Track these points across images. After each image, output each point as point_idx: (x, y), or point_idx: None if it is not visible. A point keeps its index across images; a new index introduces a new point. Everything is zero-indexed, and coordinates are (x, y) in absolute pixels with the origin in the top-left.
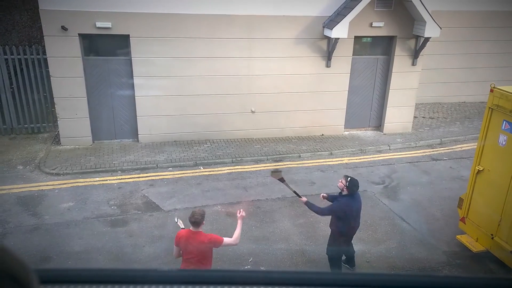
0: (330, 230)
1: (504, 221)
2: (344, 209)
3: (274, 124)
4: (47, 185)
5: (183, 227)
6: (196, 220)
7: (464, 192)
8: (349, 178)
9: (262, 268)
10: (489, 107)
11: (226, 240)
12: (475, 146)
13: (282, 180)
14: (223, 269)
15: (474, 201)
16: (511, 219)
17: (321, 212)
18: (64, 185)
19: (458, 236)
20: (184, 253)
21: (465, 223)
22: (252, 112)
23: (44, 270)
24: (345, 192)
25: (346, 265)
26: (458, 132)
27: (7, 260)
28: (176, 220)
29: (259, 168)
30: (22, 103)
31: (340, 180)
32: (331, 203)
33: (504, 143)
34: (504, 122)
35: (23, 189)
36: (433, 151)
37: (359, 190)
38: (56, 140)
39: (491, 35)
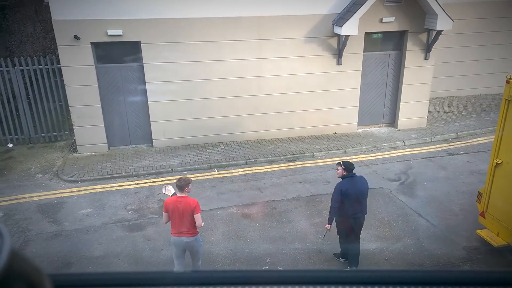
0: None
1: None
2: (340, 188)
3: (287, 124)
4: (66, 192)
5: (170, 194)
6: (180, 184)
7: (482, 186)
8: (341, 162)
9: (279, 268)
10: (506, 99)
11: (199, 215)
12: (493, 139)
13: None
14: (241, 269)
15: (493, 194)
16: None
17: (333, 204)
18: (82, 192)
19: (478, 231)
20: (172, 217)
21: (484, 218)
22: None
23: (58, 274)
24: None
25: (342, 259)
26: (475, 126)
27: (22, 264)
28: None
29: (273, 169)
30: (38, 113)
31: (336, 169)
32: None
33: None
34: None
35: (43, 197)
36: (449, 145)
37: (374, 187)
38: (73, 147)
39: (505, 25)
